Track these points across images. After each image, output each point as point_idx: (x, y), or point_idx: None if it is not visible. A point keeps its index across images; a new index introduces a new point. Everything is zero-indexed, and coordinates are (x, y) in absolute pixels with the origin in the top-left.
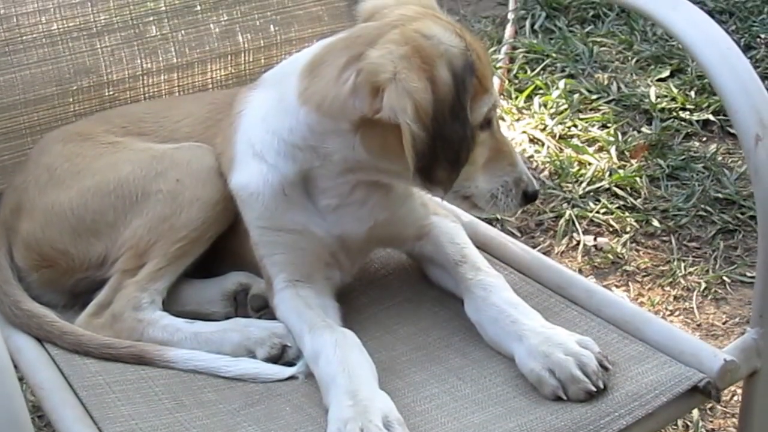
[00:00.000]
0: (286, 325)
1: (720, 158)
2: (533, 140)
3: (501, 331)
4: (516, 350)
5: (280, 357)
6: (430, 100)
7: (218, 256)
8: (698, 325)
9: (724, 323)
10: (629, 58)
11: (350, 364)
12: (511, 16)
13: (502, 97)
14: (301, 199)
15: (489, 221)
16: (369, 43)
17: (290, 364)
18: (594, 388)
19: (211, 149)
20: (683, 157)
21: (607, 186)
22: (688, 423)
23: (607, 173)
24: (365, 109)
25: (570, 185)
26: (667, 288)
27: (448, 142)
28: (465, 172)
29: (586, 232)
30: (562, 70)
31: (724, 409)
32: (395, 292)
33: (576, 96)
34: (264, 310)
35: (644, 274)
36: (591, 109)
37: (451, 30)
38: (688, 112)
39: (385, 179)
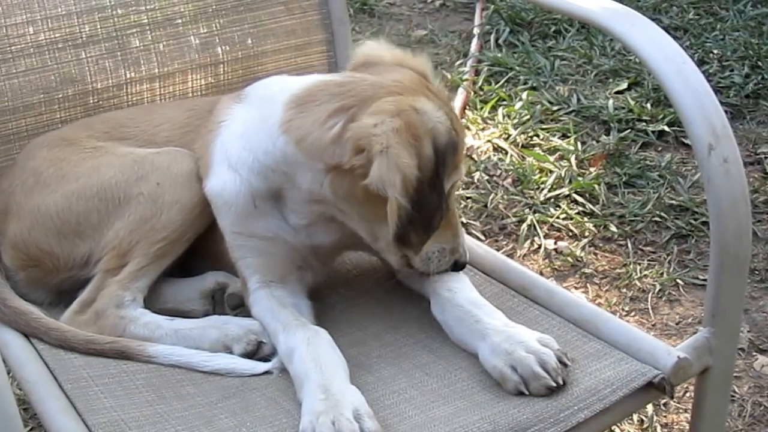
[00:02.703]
0: (261, 323)
1: (674, 167)
2: (497, 149)
3: (465, 330)
4: (480, 348)
5: (255, 353)
6: (416, 175)
7: (197, 256)
8: (653, 325)
9: (677, 323)
10: (589, 71)
11: (322, 361)
12: (476, 30)
13: (468, 107)
14: (272, 210)
15: None
16: (362, 100)
17: (265, 359)
18: (554, 384)
19: (190, 154)
20: (639, 165)
21: (567, 193)
22: (643, 418)
23: (567, 180)
24: (343, 160)
25: (532, 192)
26: (624, 290)
27: (425, 210)
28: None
29: (547, 236)
30: (525, 83)
31: (677, 404)
32: (366, 291)
33: (538, 107)
34: (240, 308)
35: (602, 276)
36: (552, 120)
37: (439, 107)
38: (644, 123)
39: (345, 220)
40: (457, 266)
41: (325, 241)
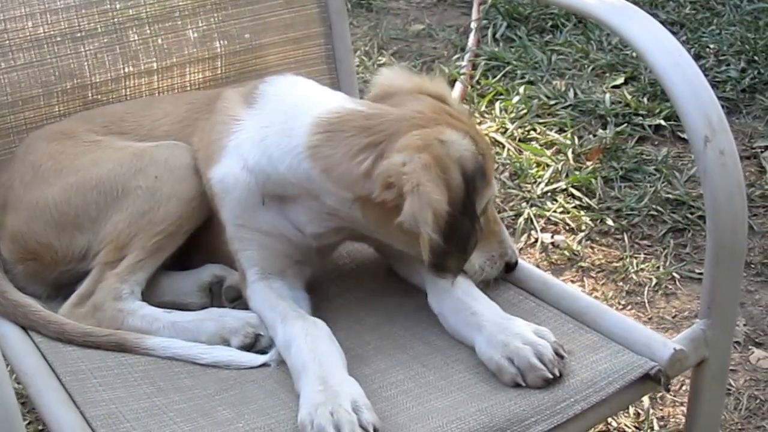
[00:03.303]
0: (259, 315)
1: (671, 161)
2: (494, 143)
3: (462, 321)
4: (476, 340)
5: (253, 345)
6: (446, 208)
7: (194, 249)
8: (649, 319)
9: (673, 317)
10: (585, 66)
11: (321, 352)
12: (474, 25)
13: (465, 102)
14: (278, 210)
15: None
16: (389, 135)
17: (263, 352)
18: (551, 376)
19: (189, 147)
20: (636, 159)
21: (564, 186)
22: (640, 411)
23: (564, 174)
24: (374, 194)
25: (529, 185)
26: (620, 283)
27: (459, 236)
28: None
29: (543, 230)
30: (522, 77)
31: (674, 398)
32: (363, 284)
33: (535, 101)
34: (238, 300)
35: (598, 270)
36: (549, 114)
37: (463, 133)
38: (640, 118)
39: (376, 236)
40: (509, 267)
41: (330, 241)
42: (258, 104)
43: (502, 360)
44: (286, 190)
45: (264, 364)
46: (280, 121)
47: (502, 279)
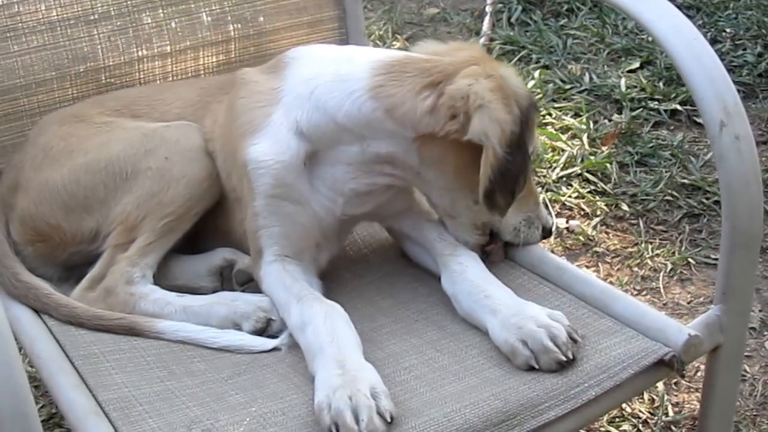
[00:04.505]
0: (271, 296)
1: (686, 146)
2: None
3: (475, 304)
4: (489, 322)
5: (264, 330)
6: (512, 130)
7: (204, 233)
8: (664, 305)
9: (688, 303)
10: (601, 50)
11: (339, 335)
12: (488, 9)
13: None
14: (316, 176)
15: None
16: (448, 75)
17: (274, 336)
18: (564, 358)
19: (199, 128)
20: (651, 144)
21: (579, 171)
22: (654, 397)
23: (579, 159)
24: (437, 128)
25: (544, 170)
26: (635, 269)
27: (511, 171)
28: None
29: (558, 215)
30: (537, 61)
31: (688, 384)
32: (376, 268)
33: (550, 86)
34: (248, 284)
35: (613, 255)
36: (564, 99)
37: (516, 73)
38: (656, 102)
39: (423, 188)
40: (545, 231)
41: (355, 212)
42: (291, 69)
43: (516, 342)
44: (340, 140)
45: (275, 348)
46: (332, 70)
47: (517, 264)
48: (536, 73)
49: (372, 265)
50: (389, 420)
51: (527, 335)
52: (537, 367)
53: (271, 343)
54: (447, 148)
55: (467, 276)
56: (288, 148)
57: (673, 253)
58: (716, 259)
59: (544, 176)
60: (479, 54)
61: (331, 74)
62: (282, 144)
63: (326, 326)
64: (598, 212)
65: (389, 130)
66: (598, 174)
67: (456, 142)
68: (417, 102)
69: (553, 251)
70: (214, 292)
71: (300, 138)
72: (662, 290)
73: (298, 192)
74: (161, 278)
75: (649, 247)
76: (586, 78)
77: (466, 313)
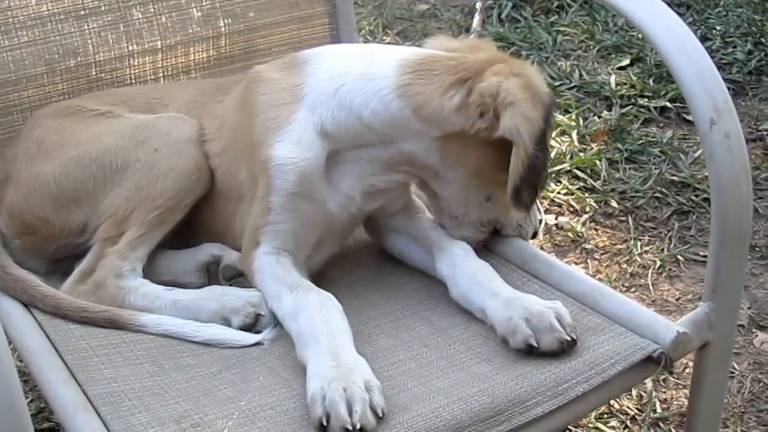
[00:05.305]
0: (261, 286)
1: (676, 143)
2: None
3: (476, 286)
4: (489, 303)
5: (253, 325)
6: (542, 125)
7: (191, 228)
8: (653, 301)
9: (677, 299)
10: (591, 47)
11: (334, 326)
12: (479, 5)
13: None
14: (335, 171)
15: None
16: (475, 72)
17: (260, 332)
18: (568, 338)
19: (192, 120)
20: (641, 141)
21: (568, 168)
22: (642, 393)
23: (569, 156)
24: (466, 126)
25: None
26: (624, 265)
27: (537, 167)
28: (505, 205)
29: (548, 211)
30: (527, 58)
31: (677, 380)
32: (365, 264)
33: None
34: (234, 279)
35: (602, 252)
36: (554, 95)
37: (538, 72)
38: (646, 99)
39: (439, 186)
40: (534, 233)
41: (369, 207)
42: (311, 66)
43: (520, 320)
44: (363, 139)
45: (258, 343)
46: (357, 68)
47: (507, 261)
48: None
49: (360, 261)
50: (380, 415)
51: (533, 314)
52: (536, 346)
53: (254, 337)
54: (468, 147)
55: (470, 259)
56: (312, 146)
57: (662, 250)
58: (705, 257)
59: None
60: (500, 54)
61: (357, 72)
62: (307, 142)
63: (322, 316)
64: (588, 209)
65: (414, 129)
66: (588, 171)
67: (476, 141)
68: (444, 100)
69: (542, 248)
70: (201, 287)
71: (324, 137)
72: (651, 287)
73: (317, 191)
74: (148, 273)
75: (638, 243)
76: (576, 75)
77: (462, 294)
